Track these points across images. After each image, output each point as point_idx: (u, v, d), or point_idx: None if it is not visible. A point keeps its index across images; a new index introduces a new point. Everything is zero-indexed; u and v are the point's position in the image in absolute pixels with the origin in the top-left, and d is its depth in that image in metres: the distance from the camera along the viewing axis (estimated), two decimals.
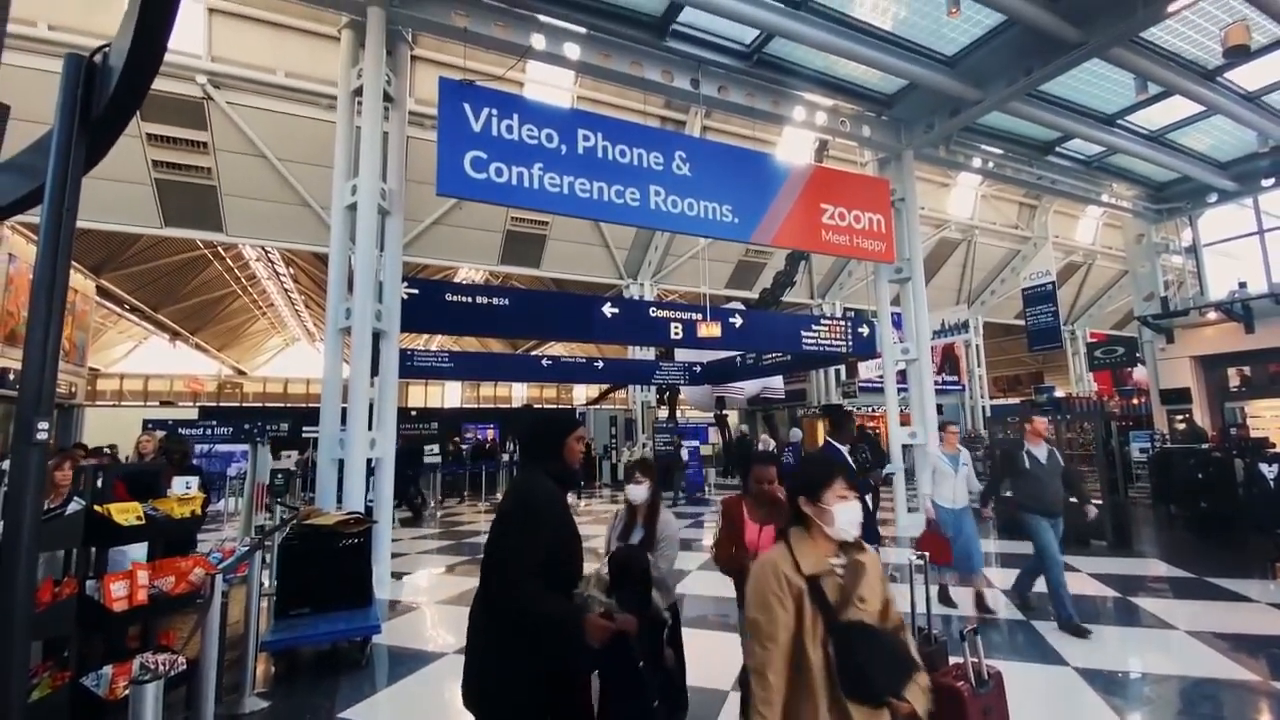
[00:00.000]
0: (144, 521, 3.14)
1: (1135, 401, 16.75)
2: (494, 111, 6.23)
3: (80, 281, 15.02)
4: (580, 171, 6.57)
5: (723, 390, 17.96)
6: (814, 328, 10.88)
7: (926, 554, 4.62)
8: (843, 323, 11.27)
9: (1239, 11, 7.08)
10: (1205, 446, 9.04)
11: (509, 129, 6.28)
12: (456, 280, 18.69)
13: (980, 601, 5.09)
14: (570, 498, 2.35)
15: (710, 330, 9.25)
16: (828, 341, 10.87)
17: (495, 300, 8.30)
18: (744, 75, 8.16)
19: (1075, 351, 23.54)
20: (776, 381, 18.73)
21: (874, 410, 18.43)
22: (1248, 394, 11.94)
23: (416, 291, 7.60)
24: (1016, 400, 24.75)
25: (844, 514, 1.65)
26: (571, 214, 7.06)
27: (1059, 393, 20.52)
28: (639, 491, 2.98)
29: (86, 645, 2.92)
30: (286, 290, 24.70)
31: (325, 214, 10.68)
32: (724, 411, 19.68)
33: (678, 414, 18.96)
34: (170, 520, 3.40)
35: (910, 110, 9.19)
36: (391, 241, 6.66)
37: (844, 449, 4.50)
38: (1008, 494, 5.41)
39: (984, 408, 20.81)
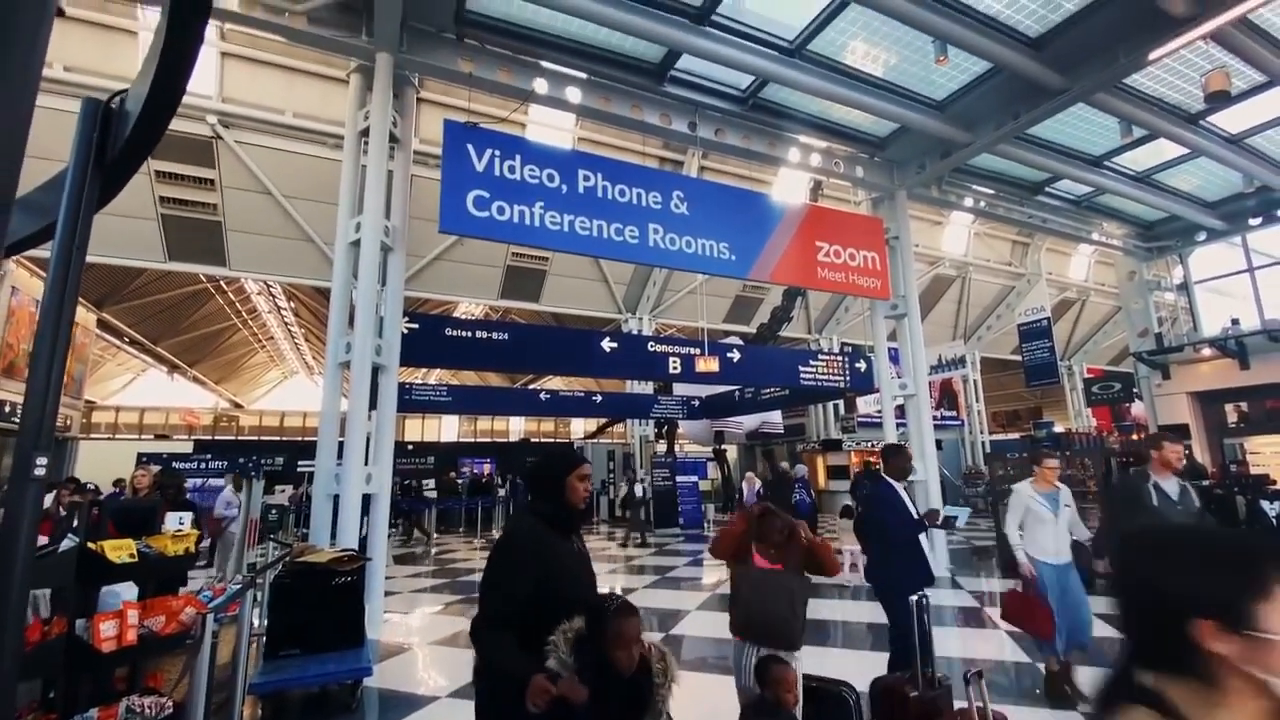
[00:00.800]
0: (137, 559, 3.10)
1: (1135, 437, 16.68)
2: (497, 152, 6.38)
3: (81, 314, 15.10)
4: (581, 210, 6.69)
5: (721, 425, 17.91)
6: (811, 363, 10.92)
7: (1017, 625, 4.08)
8: (840, 358, 11.31)
9: (1219, 59, 7.32)
10: (1206, 483, 8.98)
11: (511, 169, 6.42)
12: (456, 314, 18.82)
13: (1069, 678, 3.96)
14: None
15: (708, 365, 9.28)
16: (825, 377, 10.90)
17: (495, 335, 8.36)
18: (740, 119, 8.38)
19: (1073, 387, 23.54)
20: (775, 416, 18.70)
21: (874, 445, 18.36)
22: (1246, 430, 11.94)
23: (417, 326, 7.66)
24: (1016, 435, 24.68)
25: None
26: (572, 251, 7.17)
27: (1058, 428, 20.48)
28: None
29: (72, 686, 2.85)
30: (287, 324, 24.82)
31: (328, 249, 10.81)
32: (723, 446, 19.59)
33: (676, 448, 18.86)
34: (163, 558, 3.36)
35: (902, 152, 9.41)
36: (393, 277, 6.74)
37: (900, 487, 4.07)
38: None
39: (984, 443, 20.74)
